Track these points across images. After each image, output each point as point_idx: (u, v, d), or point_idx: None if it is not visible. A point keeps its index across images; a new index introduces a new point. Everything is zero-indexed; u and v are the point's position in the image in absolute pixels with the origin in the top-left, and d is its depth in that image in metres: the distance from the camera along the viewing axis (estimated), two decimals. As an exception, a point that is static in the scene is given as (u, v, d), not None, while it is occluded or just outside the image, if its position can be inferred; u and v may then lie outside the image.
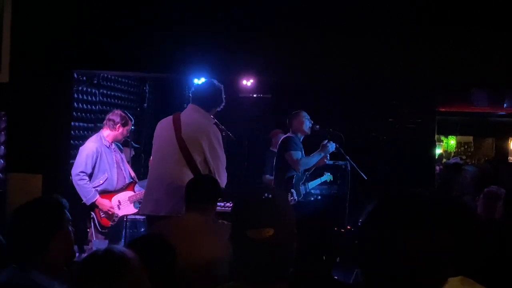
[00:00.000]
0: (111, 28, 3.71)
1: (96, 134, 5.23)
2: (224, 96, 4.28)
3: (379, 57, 3.69)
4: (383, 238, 1.29)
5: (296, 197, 5.53)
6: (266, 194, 1.82)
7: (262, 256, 1.71)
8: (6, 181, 3.66)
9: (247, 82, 6.99)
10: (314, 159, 5.71)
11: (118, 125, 5.15)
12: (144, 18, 3.72)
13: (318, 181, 6.06)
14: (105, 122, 5.21)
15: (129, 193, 5.30)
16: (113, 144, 5.21)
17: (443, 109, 8.49)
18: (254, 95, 7.55)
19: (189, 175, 3.87)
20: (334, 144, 5.84)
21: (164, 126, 4.21)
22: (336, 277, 2.34)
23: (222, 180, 4.03)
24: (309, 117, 5.83)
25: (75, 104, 5.59)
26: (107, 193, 5.14)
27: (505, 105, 7.65)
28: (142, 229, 5.61)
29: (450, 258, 1.28)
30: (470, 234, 1.84)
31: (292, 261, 1.76)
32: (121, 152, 5.40)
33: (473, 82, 3.84)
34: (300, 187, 5.69)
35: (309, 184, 5.84)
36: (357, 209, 6.10)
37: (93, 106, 6.31)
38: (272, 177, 5.92)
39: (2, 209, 3.58)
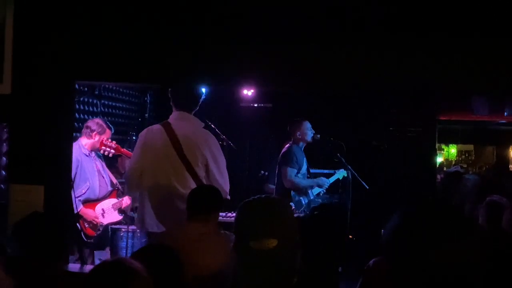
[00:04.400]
0: (113, 38, 3.71)
1: (74, 143, 5.20)
2: (203, 90, 4.15)
3: (379, 65, 3.68)
4: (417, 250, 1.28)
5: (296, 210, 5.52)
6: (269, 204, 1.82)
7: (266, 267, 1.70)
8: (8, 192, 3.65)
9: (248, 92, 7.00)
10: (306, 183, 5.75)
11: (95, 133, 5.08)
12: (146, 29, 3.72)
13: (330, 180, 6.03)
14: (83, 130, 5.15)
15: (112, 200, 5.25)
16: (92, 152, 5.15)
17: (444, 118, 8.48)
18: (255, 105, 7.55)
19: (193, 186, 3.80)
20: (343, 171, 5.88)
21: (154, 137, 4.04)
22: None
23: (226, 187, 3.96)
24: (310, 126, 5.84)
25: (77, 115, 5.60)
26: (90, 202, 5.07)
27: (505, 113, 7.65)
28: (143, 240, 5.58)
29: (480, 265, 1.28)
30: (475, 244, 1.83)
31: (297, 271, 1.76)
32: (101, 159, 5.32)
33: (473, 91, 3.84)
34: (301, 198, 5.69)
35: (312, 191, 5.83)
36: (359, 219, 6.09)
37: (95, 117, 6.31)
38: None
39: (4, 220, 3.57)
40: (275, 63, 3.71)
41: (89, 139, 5.07)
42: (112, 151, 5.07)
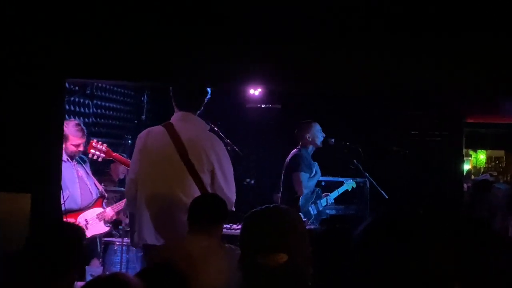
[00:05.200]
0: (106, 32, 3.73)
1: None
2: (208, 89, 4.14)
3: (400, 64, 3.70)
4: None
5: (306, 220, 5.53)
6: (278, 215, 1.82)
7: (274, 284, 1.71)
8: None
9: (255, 91, 7.02)
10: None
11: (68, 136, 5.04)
12: (142, 22, 3.74)
13: (335, 193, 6.03)
14: None
15: (97, 210, 5.19)
16: (73, 158, 5.09)
17: (472, 120, 8.46)
18: (263, 106, 7.57)
19: (197, 195, 3.74)
20: (352, 181, 5.88)
21: (155, 139, 4.01)
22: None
23: (232, 198, 3.94)
24: (320, 129, 5.84)
25: (66, 116, 5.62)
26: (71, 212, 4.98)
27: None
28: (140, 254, 5.59)
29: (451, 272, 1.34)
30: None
31: (308, 290, 1.76)
32: (85, 164, 5.26)
33: (504, 90, 3.84)
34: (309, 208, 5.69)
35: (321, 201, 5.83)
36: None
37: (86, 119, 6.35)
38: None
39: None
40: (283, 60, 3.72)
41: (63, 143, 5.03)
42: (102, 155, 5.05)
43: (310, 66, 3.73)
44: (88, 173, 5.25)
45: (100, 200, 5.25)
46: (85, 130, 5.15)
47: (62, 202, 4.89)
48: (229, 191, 3.93)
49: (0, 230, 2.65)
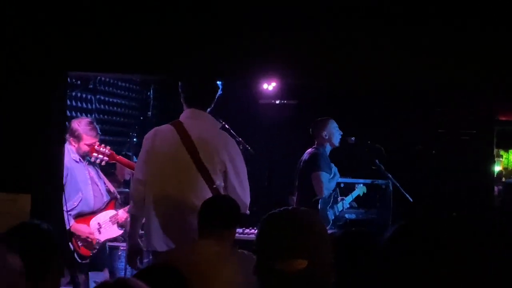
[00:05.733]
0: (111, 21, 3.74)
1: None
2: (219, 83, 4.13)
3: (426, 56, 3.68)
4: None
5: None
6: (297, 218, 1.81)
7: (293, 292, 1.70)
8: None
9: (269, 86, 7.00)
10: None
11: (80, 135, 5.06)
12: (147, 13, 3.74)
13: (350, 198, 6.01)
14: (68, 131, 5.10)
15: (110, 213, 5.23)
16: (84, 157, 5.14)
17: (504, 118, 8.40)
18: (277, 101, 7.56)
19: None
20: (363, 187, 5.88)
21: (164, 139, 4.00)
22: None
23: (246, 201, 3.94)
24: (337, 126, 5.82)
25: (68, 112, 5.64)
26: (83, 216, 5.06)
27: None
28: (146, 260, 5.60)
29: None
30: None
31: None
32: (95, 165, 5.29)
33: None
34: (328, 212, 5.67)
35: (337, 206, 5.81)
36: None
37: (89, 115, 6.38)
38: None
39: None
40: (299, 51, 3.71)
41: (76, 143, 5.07)
42: (106, 158, 5.07)
43: (328, 58, 3.72)
44: (99, 174, 5.29)
45: (113, 202, 5.29)
46: (98, 129, 5.19)
47: (74, 205, 4.97)
48: (243, 193, 3.93)
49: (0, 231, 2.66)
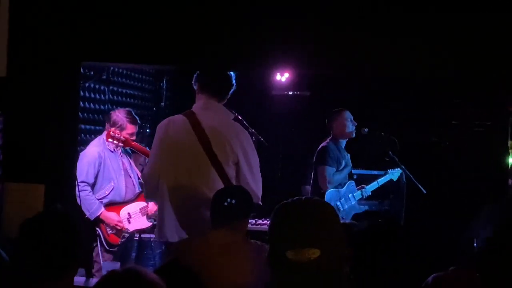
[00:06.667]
0: (125, 9, 3.73)
1: (98, 137, 5.28)
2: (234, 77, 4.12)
3: (440, 47, 3.64)
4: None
5: None
6: (310, 208, 1.81)
7: (305, 282, 1.70)
8: (2, 192, 3.71)
9: (282, 77, 6.99)
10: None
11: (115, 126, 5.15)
12: (163, 1, 3.74)
13: (375, 185, 5.98)
14: (106, 122, 5.24)
15: (140, 204, 5.32)
16: (118, 147, 5.23)
17: (518, 110, 8.34)
18: (290, 93, 7.54)
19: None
20: (398, 170, 5.83)
21: (177, 129, 4.00)
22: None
23: (258, 192, 3.92)
24: (352, 118, 5.81)
25: (81, 103, 5.67)
26: (114, 204, 5.17)
27: None
28: (158, 250, 5.64)
29: None
30: None
31: (343, 288, 1.75)
32: (130, 156, 5.41)
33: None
34: (337, 203, 5.66)
35: (354, 195, 5.79)
36: (414, 229, 6.03)
37: (102, 106, 6.39)
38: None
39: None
40: (313, 40, 3.69)
41: (118, 134, 5.14)
42: (121, 144, 5.12)
43: (344, 48, 3.69)
44: (131, 165, 5.35)
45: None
46: (137, 118, 5.32)
47: (106, 194, 5.05)
48: (255, 184, 3.92)
49: (13, 222, 2.67)
